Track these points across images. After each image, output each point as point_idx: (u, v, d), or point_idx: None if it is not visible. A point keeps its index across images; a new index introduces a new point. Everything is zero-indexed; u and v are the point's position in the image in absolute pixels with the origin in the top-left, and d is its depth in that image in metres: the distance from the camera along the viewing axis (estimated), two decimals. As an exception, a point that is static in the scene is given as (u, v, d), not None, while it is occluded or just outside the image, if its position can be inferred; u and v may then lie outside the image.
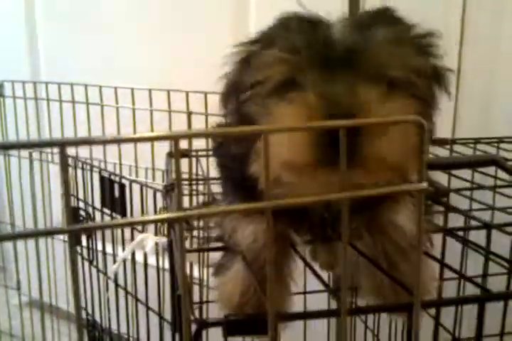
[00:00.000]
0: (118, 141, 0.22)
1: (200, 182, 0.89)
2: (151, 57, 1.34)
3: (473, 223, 0.52)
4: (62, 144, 0.21)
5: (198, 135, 0.24)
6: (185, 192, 0.89)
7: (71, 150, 1.24)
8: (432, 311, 0.59)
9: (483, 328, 0.34)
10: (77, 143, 0.22)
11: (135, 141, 0.22)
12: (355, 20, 0.43)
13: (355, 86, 0.38)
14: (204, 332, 0.31)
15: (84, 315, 1.24)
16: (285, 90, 0.40)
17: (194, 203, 0.93)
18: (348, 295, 0.47)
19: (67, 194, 0.22)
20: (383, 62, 0.40)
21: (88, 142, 0.22)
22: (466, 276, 0.37)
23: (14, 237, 0.26)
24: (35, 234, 0.27)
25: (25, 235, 0.26)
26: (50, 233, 0.28)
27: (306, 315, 0.30)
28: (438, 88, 0.45)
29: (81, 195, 1.15)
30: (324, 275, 0.73)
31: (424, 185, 0.27)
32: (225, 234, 0.47)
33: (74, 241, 0.29)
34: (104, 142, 0.22)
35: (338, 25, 0.42)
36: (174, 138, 0.22)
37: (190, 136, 0.24)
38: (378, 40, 0.40)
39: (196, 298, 0.90)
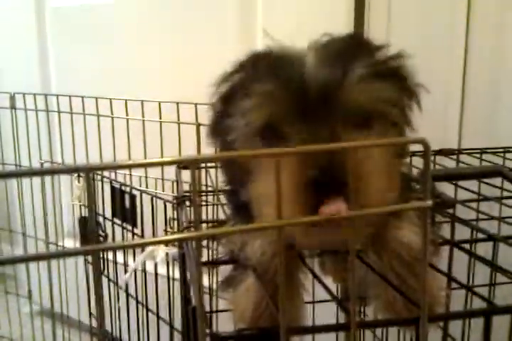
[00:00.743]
0: (141, 165, 0.23)
1: (210, 193, 0.90)
2: (161, 70, 1.36)
3: (480, 235, 0.53)
4: (88, 170, 0.22)
5: (218, 158, 0.25)
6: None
7: (82, 161, 1.26)
8: (441, 322, 0.59)
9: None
10: (103, 168, 0.24)
11: (156, 165, 0.23)
12: (326, 51, 0.43)
13: (335, 129, 0.39)
14: None
15: (94, 323, 1.25)
16: (267, 136, 0.41)
17: (204, 213, 0.95)
18: (357, 305, 0.48)
19: (91, 215, 0.24)
20: (358, 99, 0.41)
21: (113, 167, 0.24)
22: (473, 290, 0.38)
23: (27, 259, 0.26)
24: (49, 257, 0.27)
25: (38, 257, 0.26)
26: (64, 255, 0.28)
27: (316, 329, 0.31)
28: (409, 105, 0.46)
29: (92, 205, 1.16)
30: (332, 286, 0.74)
31: (429, 202, 0.29)
32: (235, 248, 0.48)
33: (97, 263, 0.30)
34: (130, 166, 0.23)
35: (310, 59, 0.42)
36: (193, 162, 0.24)
37: (209, 160, 0.25)
38: (350, 76, 0.40)
39: (206, 307, 0.91)
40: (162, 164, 0.24)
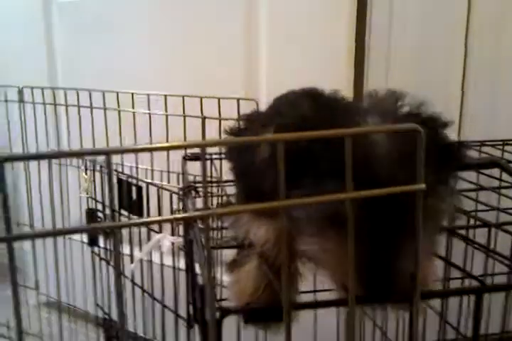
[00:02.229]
0: (152, 149, 0.25)
1: (215, 184, 0.92)
2: (167, 64, 1.38)
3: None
4: (108, 153, 0.24)
5: (225, 143, 0.27)
6: (200, 194, 0.92)
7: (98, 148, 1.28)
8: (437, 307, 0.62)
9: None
10: (122, 151, 0.25)
11: (168, 149, 0.25)
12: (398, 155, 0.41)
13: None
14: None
15: (100, 314, 1.28)
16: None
17: (209, 204, 0.97)
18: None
19: (111, 199, 0.25)
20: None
21: (132, 150, 0.25)
22: (466, 270, 0.40)
23: (35, 236, 0.27)
24: (55, 234, 0.29)
25: (45, 234, 0.27)
26: (69, 232, 0.29)
27: (317, 304, 0.33)
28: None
29: (99, 198, 1.19)
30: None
31: (422, 186, 0.31)
32: (239, 235, 0.51)
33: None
34: (149, 149, 0.25)
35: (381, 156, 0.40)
36: (202, 146, 0.26)
37: (217, 144, 0.27)
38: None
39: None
40: (183, 147, 0.26)
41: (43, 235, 0.27)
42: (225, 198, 0.71)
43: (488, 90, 1.05)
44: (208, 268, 0.29)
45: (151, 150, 0.24)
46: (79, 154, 0.25)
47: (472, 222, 0.57)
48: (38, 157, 0.25)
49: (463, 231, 0.53)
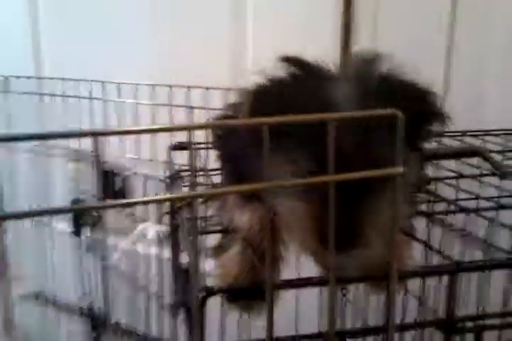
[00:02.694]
0: (137, 132, 0.26)
1: (200, 173, 0.93)
2: (153, 53, 1.38)
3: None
4: (94, 134, 0.25)
5: (212, 126, 0.28)
6: (186, 183, 0.93)
7: (74, 143, 1.28)
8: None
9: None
10: (109, 133, 0.26)
11: (155, 131, 0.26)
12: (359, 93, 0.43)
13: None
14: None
15: (85, 304, 1.28)
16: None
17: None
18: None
19: (99, 182, 0.26)
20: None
21: (118, 132, 0.26)
22: (440, 251, 0.41)
23: (19, 216, 0.27)
24: (40, 213, 0.29)
25: (30, 214, 0.27)
26: (52, 212, 0.29)
27: (298, 284, 0.34)
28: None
29: (83, 187, 1.19)
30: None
31: (401, 169, 0.32)
32: (224, 221, 0.52)
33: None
34: (137, 132, 0.25)
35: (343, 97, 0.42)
36: (189, 129, 0.26)
37: (204, 127, 0.28)
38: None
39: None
40: (170, 130, 0.26)
41: (33, 214, 0.27)
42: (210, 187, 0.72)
43: (472, 83, 1.07)
44: (194, 249, 0.30)
45: (138, 132, 0.25)
46: (65, 136, 0.26)
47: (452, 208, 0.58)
48: (25, 138, 0.26)
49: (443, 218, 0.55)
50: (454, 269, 0.35)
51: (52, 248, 1.48)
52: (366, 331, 0.43)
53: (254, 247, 0.46)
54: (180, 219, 0.48)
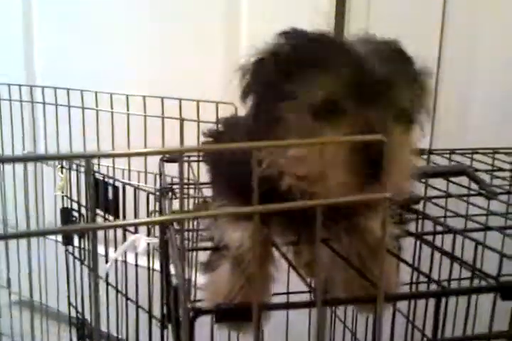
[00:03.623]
0: (130, 154, 0.26)
1: (192, 186, 0.93)
2: (146, 65, 1.39)
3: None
4: (88, 157, 0.25)
5: (204, 150, 0.29)
6: (177, 195, 0.93)
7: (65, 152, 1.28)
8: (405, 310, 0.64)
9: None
10: (102, 156, 0.26)
11: (146, 154, 0.26)
12: (377, 51, 0.47)
13: (382, 119, 0.44)
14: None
15: (74, 313, 1.27)
16: (322, 114, 0.44)
17: (185, 206, 0.97)
18: (323, 286, 0.51)
19: (92, 204, 0.26)
20: (400, 97, 0.46)
21: (112, 155, 0.27)
22: (426, 274, 0.42)
23: (7, 237, 0.27)
24: (28, 235, 0.29)
25: (18, 235, 0.27)
26: (43, 233, 0.30)
27: (285, 305, 0.34)
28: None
29: (74, 197, 1.18)
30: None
31: (388, 194, 0.32)
32: (214, 237, 0.52)
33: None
34: (128, 155, 0.26)
35: (364, 53, 0.46)
36: (180, 152, 0.27)
37: (194, 150, 0.28)
38: (397, 78, 0.46)
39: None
40: (161, 153, 0.27)
41: (17, 236, 0.27)
42: (201, 200, 0.72)
43: (460, 100, 1.08)
44: (182, 268, 0.30)
45: (129, 155, 0.25)
46: (58, 158, 0.26)
47: (439, 228, 0.59)
48: (14, 160, 0.26)
49: (430, 237, 0.56)
50: (439, 293, 0.36)
51: (42, 256, 1.48)
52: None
53: (245, 265, 0.47)
54: (169, 234, 0.48)
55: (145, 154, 0.26)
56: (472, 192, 0.73)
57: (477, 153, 0.90)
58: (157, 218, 0.28)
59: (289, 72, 0.47)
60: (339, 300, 0.35)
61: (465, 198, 0.71)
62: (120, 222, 0.24)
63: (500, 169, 0.86)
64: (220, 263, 0.49)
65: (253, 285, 0.32)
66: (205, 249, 0.50)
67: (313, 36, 0.49)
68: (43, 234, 0.29)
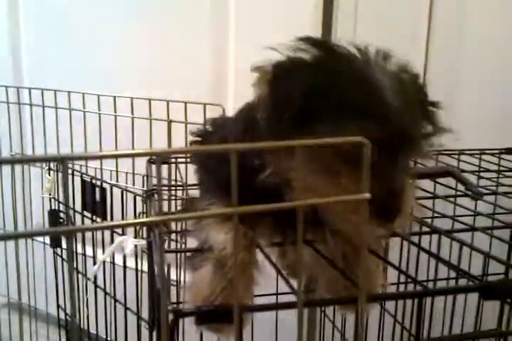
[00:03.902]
0: (113, 156, 0.26)
1: (180, 187, 0.93)
2: (134, 66, 1.38)
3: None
4: (62, 159, 0.25)
5: (175, 152, 0.29)
6: (165, 197, 0.93)
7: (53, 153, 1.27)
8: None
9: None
10: (76, 158, 0.26)
11: (127, 156, 0.26)
12: (400, 90, 0.47)
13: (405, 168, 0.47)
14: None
15: (63, 315, 1.26)
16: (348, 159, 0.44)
17: (173, 208, 0.97)
18: (308, 287, 0.51)
19: (67, 204, 0.26)
20: (421, 146, 0.48)
21: (87, 157, 0.26)
22: (408, 275, 0.42)
23: None
24: (16, 236, 0.29)
25: (5, 237, 0.27)
26: (31, 235, 0.30)
27: (265, 307, 0.34)
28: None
29: (62, 198, 1.18)
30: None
31: (367, 195, 0.32)
32: (199, 239, 0.52)
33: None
34: (102, 157, 0.25)
35: (390, 91, 0.46)
36: (154, 155, 0.27)
37: (166, 153, 0.28)
38: (420, 126, 0.48)
39: (174, 298, 0.94)
40: (133, 156, 0.27)
41: (4, 238, 0.27)
42: (188, 201, 0.72)
43: (447, 101, 1.08)
44: (162, 271, 0.30)
45: (101, 157, 0.25)
46: (31, 161, 0.26)
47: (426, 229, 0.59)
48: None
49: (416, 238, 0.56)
50: (420, 294, 0.36)
51: (30, 258, 1.47)
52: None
53: (227, 268, 0.47)
54: (153, 236, 0.48)
55: (117, 156, 0.26)
56: (458, 193, 0.73)
57: (464, 154, 0.90)
58: (140, 220, 0.28)
59: (312, 106, 0.46)
60: (320, 302, 0.35)
61: (452, 199, 0.72)
62: (104, 223, 0.24)
63: (487, 170, 0.86)
64: (203, 264, 0.48)
65: (234, 287, 0.32)
66: (185, 250, 0.50)
67: (336, 65, 0.48)
68: (30, 235, 0.29)
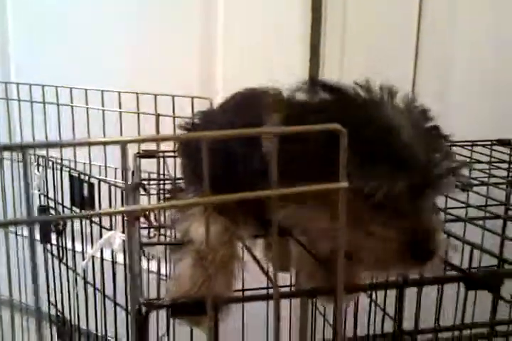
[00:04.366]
0: (74, 144, 0.25)
1: (167, 181, 0.92)
2: (121, 60, 1.37)
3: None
4: (23, 147, 0.24)
5: (147, 140, 0.28)
6: (153, 191, 0.92)
7: (42, 150, 1.26)
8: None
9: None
10: (38, 145, 0.25)
11: (95, 144, 0.25)
12: (416, 134, 0.46)
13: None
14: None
15: (54, 311, 1.26)
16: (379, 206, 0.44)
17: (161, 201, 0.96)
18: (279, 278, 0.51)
19: (28, 192, 0.25)
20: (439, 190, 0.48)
21: (47, 145, 0.26)
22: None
23: None
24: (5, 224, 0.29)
25: None
26: (12, 223, 0.30)
27: (242, 299, 0.34)
28: None
29: (51, 194, 1.17)
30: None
31: (345, 184, 0.32)
32: (180, 232, 0.51)
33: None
34: (61, 145, 0.25)
35: (400, 124, 0.45)
36: (122, 143, 0.26)
37: (137, 141, 0.27)
38: (439, 172, 0.46)
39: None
40: (90, 144, 0.26)
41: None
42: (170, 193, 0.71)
43: (437, 95, 1.08)
44: (134, 263, 0.29)
45: (62, 146, 0.24)
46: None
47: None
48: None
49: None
50: (400, 284, 0.35)
51: (20, 254, 1.46)
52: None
53: (209, 261, 0.46)
54: (130, 231, 0.47)
55: (75, 145, 0.25)
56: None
57: (455, 145, 0.90)
58: (115, 209, 0.27)
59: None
60: (297, 293, 0.35)
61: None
62: (83, 213, 0.24)
63: (478, 161, 0.86)
64: (184, 257, 0.48)
65: (211, 279, 0.31)
66: (168, 243, 0.49)
67: (349, 109, 0.47)
68: (9, 223, 0.29)
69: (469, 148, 0.90)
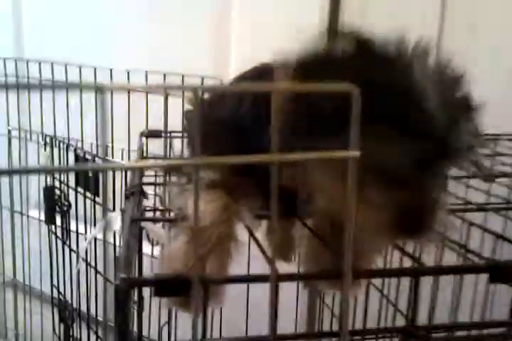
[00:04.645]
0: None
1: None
2: (132, 38, 1.33)
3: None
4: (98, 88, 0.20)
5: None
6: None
7: (50, 129, 1.24)
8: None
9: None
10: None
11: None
12: (443, 97, 0.42)
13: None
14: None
15: (56, 294, 1.24)
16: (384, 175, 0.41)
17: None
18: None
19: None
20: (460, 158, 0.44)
21: None
22: (405, 250, 0.37)
23: None
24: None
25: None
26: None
27: (236, 279, 0.30)
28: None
29: (56, 174, 1.14)
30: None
31: (356, 153, 0.28)
32: (177, 208, 0.47)
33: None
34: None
35: (427, 89, 0.41)
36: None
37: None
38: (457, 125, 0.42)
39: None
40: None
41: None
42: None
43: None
44: (124, 238, 0.26)
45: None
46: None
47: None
48: None
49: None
50: (416, 271, 0.31)
51: (26, 237, 1.44)
52: (320, 335, 0.39)
53: (204, 239, 0.42)
54: (125, 207, 0.44)
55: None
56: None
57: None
58: (115, 165, 0.24)
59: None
60: (298, 276, 0.31)
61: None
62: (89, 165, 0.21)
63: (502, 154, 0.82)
64: (178, 236, 0.44)
65: (207, 259, 0.27)
66: (153, 219, 0.46)
67: (373, 67, 0.41)
68: (26, 172, 0.28)
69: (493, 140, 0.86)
